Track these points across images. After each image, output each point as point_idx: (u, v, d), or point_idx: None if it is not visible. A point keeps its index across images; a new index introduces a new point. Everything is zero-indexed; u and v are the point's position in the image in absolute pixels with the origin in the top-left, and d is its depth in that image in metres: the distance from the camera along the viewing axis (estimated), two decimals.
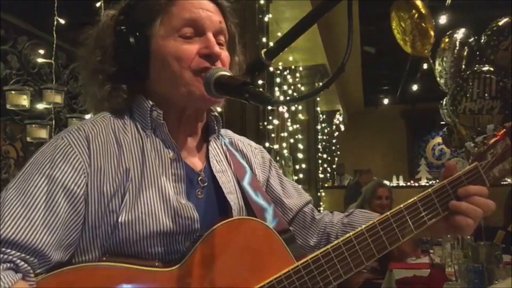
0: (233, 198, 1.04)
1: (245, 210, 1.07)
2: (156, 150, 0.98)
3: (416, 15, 4.27)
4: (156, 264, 0.90)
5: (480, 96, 3.92)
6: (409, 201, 1.00)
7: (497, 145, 1.03)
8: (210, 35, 0.99)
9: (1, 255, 0.78)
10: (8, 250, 0.79)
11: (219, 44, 1.01)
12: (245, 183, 1.09)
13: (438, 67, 4.53)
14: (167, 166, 0.97)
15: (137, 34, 0.98)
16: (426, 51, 4.43)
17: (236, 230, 0.94)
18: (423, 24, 4.27)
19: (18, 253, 0.80)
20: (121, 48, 0.98)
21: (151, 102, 0.99)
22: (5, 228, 0.80)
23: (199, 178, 1.02)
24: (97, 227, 0.88)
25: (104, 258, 0.87)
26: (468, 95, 3.98)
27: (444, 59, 4.39)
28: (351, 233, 0.97)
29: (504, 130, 1.05)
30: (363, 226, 0.98)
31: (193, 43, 0.98)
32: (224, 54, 1.02)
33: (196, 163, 1.04)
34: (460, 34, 4.41)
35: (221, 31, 1.02)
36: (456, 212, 0.99)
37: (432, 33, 4.33)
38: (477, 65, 4.04)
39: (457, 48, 4.29)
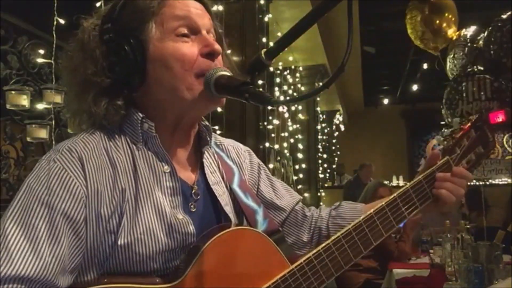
0: (229, 210, 1.05)
1: (237, 215, 1.08)
2: (149, 164, 0.95)
3: (428, 11, 4.23)
4: (157, 280, 0.89)
5: (476, 98, 3.92)
6: (390, 197, 1.09)
7: (464, 138, 1.13)
8: (205, 33, 0.98)
9: None
10: None
11: None
12: (235, 185, 1.09)
13: (449, 64, 4.50)
14: (162, 179, 0.95)
15: (131, 40, 0.93)
16: (436, 48, 4.38)
17: (232, 241, 0.94)
18: (436, 20, 4.21)
19: None
20: (114, 58, 0.94)
21: (141, 114, 0.95)
22: (15, 265, 0.78)
23: (192, 192, 1.00)
24: (95, 248, 0.87)
25: (105, 280, 0.86)
26: (464, 98, 3.98)
27: (455, 55, 4.36)
28: (338, 234, 1.02)
29: (470, 123, 1.14)
30: (349, 226, 1.04)
31: (192, 44, 0.96)
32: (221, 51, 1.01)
33: (189, 176, 1.02)
34: (470, 31, 4.37)
35: (211, 28, 1.02)
36: (439, 197, 1.10)
37: (448, 30, 4.26)
38: (470, 66, 4.04)
39: (468, 45, 4.26)
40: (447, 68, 4.50)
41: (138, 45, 0.94)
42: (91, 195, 0.87)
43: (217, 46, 0.97)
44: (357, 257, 1.03)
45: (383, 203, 1.07)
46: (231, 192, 1.09)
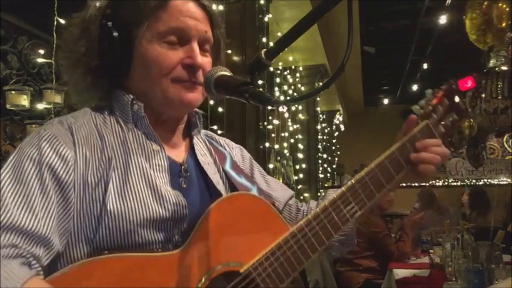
0: (222, 189, 1.06)
1: None
2: (139, 142, 0.98)
3: (485, 4, 4.19)
4: (159, 251, 0.90)
5: (494, 97, 3.92)
6: (377, 159, 1.09)
7: (439, 106, 1.19)
8: (195, 44, 1.00)
9: (16, 250, 0.78)
10: (21, 244, 0.79)
11: (204, 51, 1.02)
12: (227, 167, 1.12)
13: (492, 61, 4.45)
14: (151, 157, 0.98)
15: (123, 32, 0.97)
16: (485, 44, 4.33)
17: (230, 206, 0.96)
18: (492, 13, 4.16)
19: (30, 248, 0.79)
20: (105, 43, 0.98)
21: (131, 96, 0.99)
22: (12, 216, 0.80)
23: (182, 168, 1.03)
24: (82, 217, 0.88)
25: (105, 252, 0.86)
26: (483, 96, 3.99)
27: (500, 53, 4.33)
28: (334, 195, 1.02)
29: (442, 92, 1.21)
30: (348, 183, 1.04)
31: (177, 51, 0.98)
32: (207, 60, 1.03)
33: (178, 155, 1.05)
34: None
35: (206, 39, 1.03)
36: (418, 162, 1.09)
37: (499, 26, 4.21)
38: (492, 64, 4.03)
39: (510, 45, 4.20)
40: (490, 64, 4.46)
41: (128, 39, 0.98)
42: (80, 161, 0.90)
43: (199, 61, 0.99)
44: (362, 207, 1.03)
45: (372, 164, 1.08)
46: (224, 174, 1.11)
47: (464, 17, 4.28)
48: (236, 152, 1.24)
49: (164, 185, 0.96)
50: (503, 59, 4.09)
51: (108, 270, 0.83)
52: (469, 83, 1.20)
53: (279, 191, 1.25)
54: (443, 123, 1.18)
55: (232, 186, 1.10)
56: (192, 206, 0.97)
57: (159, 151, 0.99)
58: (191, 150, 1.09)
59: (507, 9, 4.06)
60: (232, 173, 1.11)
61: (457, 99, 1.20)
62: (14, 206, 0.81)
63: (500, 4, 4.06)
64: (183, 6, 0.99)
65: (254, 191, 1.10)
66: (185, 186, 1.01)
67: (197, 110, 1.10)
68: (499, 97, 3.87)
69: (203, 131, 1.18)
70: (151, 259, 0.87)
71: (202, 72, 1.00)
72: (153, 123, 1.01)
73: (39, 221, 0.82)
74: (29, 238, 0.80)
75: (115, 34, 0.97)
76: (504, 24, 4.09)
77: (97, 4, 1.02)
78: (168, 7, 0.98)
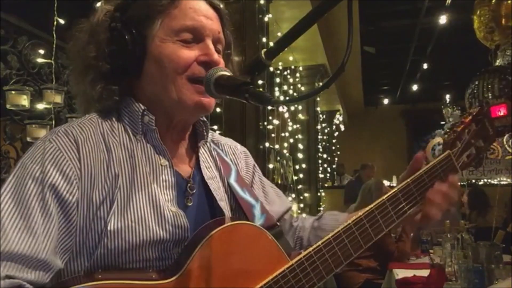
0: (224, 205, 1.05)
1: (235, 211, 1.08)
2: (147, 156, 0.96)
3: (494, 1, 4.16)
4: (153, 276, 0.88)
5: (485, 96, 3.91)
6: (390, 192, 1.05)
7: (465, 131, 1.10)
8: (209, 42, 0.98)
9: (11, 280, 0.77)
10: (17, 273, 0.78)
11: (217, 51, 1.00)
12: (232, 180, 1.10)
13: (499, 60, 4.42)
14: (158, 172, 0.96)
15: (134, 32, 0.95)
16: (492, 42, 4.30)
17: (230, 236, 0.93)
18: (501, 11, 4.12)
19: (26, 275, 0.78)
20: (116, 46, 0.95)
21: (142, 106, 0.97)
22: (9, 242, 0.78)
23: (188, 185, 1.01)
24: (85, 233, 0.87)
25: (99, 276, 0.83)
26: (476, 96, 3.98)
27: (506, 52, 4.30)
28: (339, 228, 1.00)
29: (471, 116, 1.11)
30: (350, 220, 1.01)
31: (192, 49, 0.97)
32: (221, 62, 1.01)
33: (185, 170, 1.03)
34: None
35: (219, 40, 1.02)
36: (430, 203, 1.05)
37: (507, 25, 4.17)
38: (500, 63, 3.99)
39: None
40: (497, 63, 4.44)
41: (140, 39, 0.96)
42: (84, 178, 0.87)
43: (216, 57, 0.97)
44: (358, 251, 1.01)
45: (384, 197, 1.04)
46: (228, 187, 1.09)
47: (472, 15, 4.26)
48: (241, 159, 1.20)
49: (168, 203, 0.94)
50: (510, 58, 4.07)
51: None
52: (502, 111, 1.12)
53: (277, 204, 1.22)
54: (467, 152, 1.10)
55: (235, 200, 1.08)
56: (192, 224, 0.96)
57: (167, 167, 0.97)
58: (197, 162, 1.06)
59: None
60: (237, 187, 1.09)
61: (486, 124, 1.11)
62: (13, 231, 0.79)
63: (509, 1, 4.04)
64: (196, 4, 0.99)
65: (258, 208, 1.08)
66: (190, 204, 0.99)
67: (205, 119, 1.07)
68: (490, 96, 3.86)
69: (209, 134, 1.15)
70: None
71: None
72: (163, 132, 0.99)
73: (39, 245, 0.80)
74: (26, 264, 0.79)
75: (127, 35, 0.95)
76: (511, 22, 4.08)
77: (105, 8, 1.00)
78: (181, 5, 0.97)
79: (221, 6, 1.05)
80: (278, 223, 1.11)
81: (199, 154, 1.07)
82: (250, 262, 0.94)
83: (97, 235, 0.87)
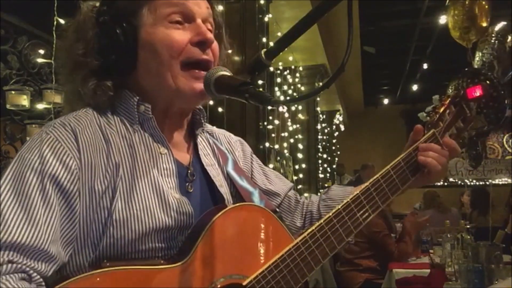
0: (224, 191, 1.05)
1: (234, 198, 1.08)
2: (146, 145, 0.96)
3: (468, 1, 4.16)
4: (162, 262, 0.88)
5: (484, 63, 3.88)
6: (383, 170, 1.10)
7: (445, 113, 1.20)
8: (199, 21, 0.97)
9: (14, 265, 0.76)
10: (20, 259, 0.77)
11: (208, 31, 0.99)
12: (230, 168, 1.11)
13: (477, 59, 4.42)
14: (158, 160, 0.96)
15: (124, 24, 0.94)
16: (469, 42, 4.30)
17: (235, 218, 0.95)
18: (474, 11, 4.13)
19: (29, 262, 0.78)
20: (106, 40, 0.94)
21: (137, 97, 0.96)
22: (11, 233, 0.77)
23: (188, 172, 1.01)
24: (88, 225, 0.86)
25: (107, 264, 0.82)
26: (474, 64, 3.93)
27: (483, 51, 4.30)
28: (338, 206, 1.03)
29: (449, 98, 1.21)
30: (349, 198, 1.04)
31: (184, 31, 0.96)
32: (214, 43, 1.00)
33: (184, 157, 1.03)
34: (498, 27, 4.30)
35: (208, 17, 1.00)
36: (426, 165, 1.12)
37: (482, 23, 4.18)
38: (478, 61, 3.98)
39: (496, 42, 4.17)
40: (475, 62, 4.44)
41: (130, 30, 0.94)
42: (85, 168, 0.87)
43: (210, 35, 0.97)
44: (366, 219, 1.04)
45: (378, 175, 1.09)
46: (227, 176, 1.09)
47: (445, 15, 4.27)
48: (237, 147, 1.22)
49: (171, 191, 0.94)
50: (490, 56, 4.07)
51: (111, 284, 0.80)
52: (477, 92, 1.19)
53: (279, 184, 1.25)
54: (449, 132, 1.18)
55: (234, 188, 1.09)
56: (196, 211, 0.96)
57: (167, 154, 0.97)
58: (195, 150, 1.07)
59: (486, 6, 4.06)
60: (235, 175, 1.10)
61: (464, 106, 1.19)
62: (14, 221, 0.78)
63: (482, 1, 4.05)
64: None
65: (256, 195, 1.09)
66: (191, 190, 1.00)
67: (201, 107, 1.08)
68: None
69: None
70: (154, 272, 0.85)
71: (211, 53, 0.98)
72: (160, 120, 0.99)
73: (42, 236, 0.79)
74: (29, 253, 0.78)
75: (117, 28, 0.93)
76: (486, 21, 4.09)
77: (90, 3, 0.99)
78: None
79: None
80: (277, 209, 1.13)
81: (197, 142, 1.07)
82: (256, 242, 0.95)
83: (101, 225, 0.86)
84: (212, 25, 1.02)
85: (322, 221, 1.00)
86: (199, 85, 0.95)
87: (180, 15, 0.96)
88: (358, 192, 1.05)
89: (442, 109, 1.20)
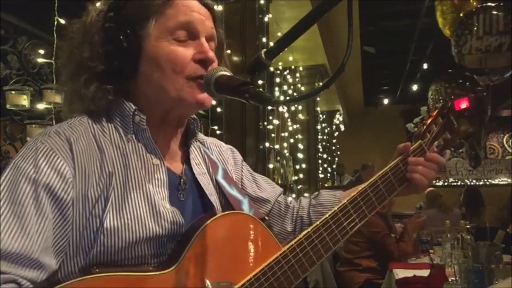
0: (214, 200, 1.07)
1: (224, 206, 1.10)
2: (139, 155, 0.97)
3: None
4: (151, 269, 0.89)
5: (487, 33, 3.72)
6: (371, 180, 1.13)
7: (433, 124, 1.21)
8: (203, 39, 0.99)
9: (4, 275, 0.77)
10: (10, 269, 0.78)
11: (210, 49, 1.01)
12: (219, 177, 1.12)
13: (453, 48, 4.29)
14: (150, 171, 0.97)
15: (129, 32, 0.95)
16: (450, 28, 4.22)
17: (224, 226, 0.96)
18: (465, 8, 4.00)
19: (20, 271, 0.78)
20: (111, 46, 0.95)
21: (133, 106, 0.97)
22: (2, 241, 0.78)
23: (181, 181, 1.02)
24: (80, 233, 0.87)
25: (97, 270, 0.84)
26: (474, 33, 3.78)
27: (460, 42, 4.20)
28: (326, 215, 1.05)
29: (437, 110, 1.23)
30: (335, 208, 1.07)
31: (187, 47, 0.97)
32: (215, 62, 1.02)
33: (177, 166, 1.05)
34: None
35: (212, 37, 1.03)
36: (413, 179, 1.15)
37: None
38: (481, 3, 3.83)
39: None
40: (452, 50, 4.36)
41: (135, 39, 0.95)
42: (79, 176, 0.88)
43: (211, 54, 0.99)
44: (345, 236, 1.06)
45: (366, 185, 1.11)
46: (217, 184, 1.11)
47: (435, 16, 4.20)
48: (227, 156, 1.23)
49: (162, 201, 0.95)
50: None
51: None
52: (464, 104, 1.21)
53: (268, 190, 1.27)
54: (436, 143, 1.21)
55: (224, 197, 1.10)
56: (187, 219, 0.97)
57: (159, 166, 0.98)
58: (187, 159, 1.08)
59: (474, 3, 4.00)
60: (224, 184, 1.11)
61: (451, 118, 1.22)
62: (6, 230, 0.79)
63: (471, 0, 4.00)
64: (190, 3, 0.99)
65: (246, 203, 1.10)
66: (183, 199, 1.01)
67: (195, 117, 1.09)
68: (493, 33, 3.66)
69: None
70: (143, 279, 0.86)
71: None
72: (155, 129, 1.00)
73: (33, 245, 0.80)
74: (19, 262, 0.79)
75: (122, 35, 0.95)
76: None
77: (98, 7, 1.00)
78: (174, 4, 0.98)
79: (214, 6, 1.06)
80: (266, 218, 1.14)
81: (190, 151, 1.09)
82: (244, 250, 0.97)
83: (93, 233, 0.87)
84: (215, 44, 1.04)
85: (310, 229, 1.02)
86: (202, 95, 0.97)
87: (185, 31, 0.97)
88: (346, 201, 1.07)
89: (429, 121, 1.22)
